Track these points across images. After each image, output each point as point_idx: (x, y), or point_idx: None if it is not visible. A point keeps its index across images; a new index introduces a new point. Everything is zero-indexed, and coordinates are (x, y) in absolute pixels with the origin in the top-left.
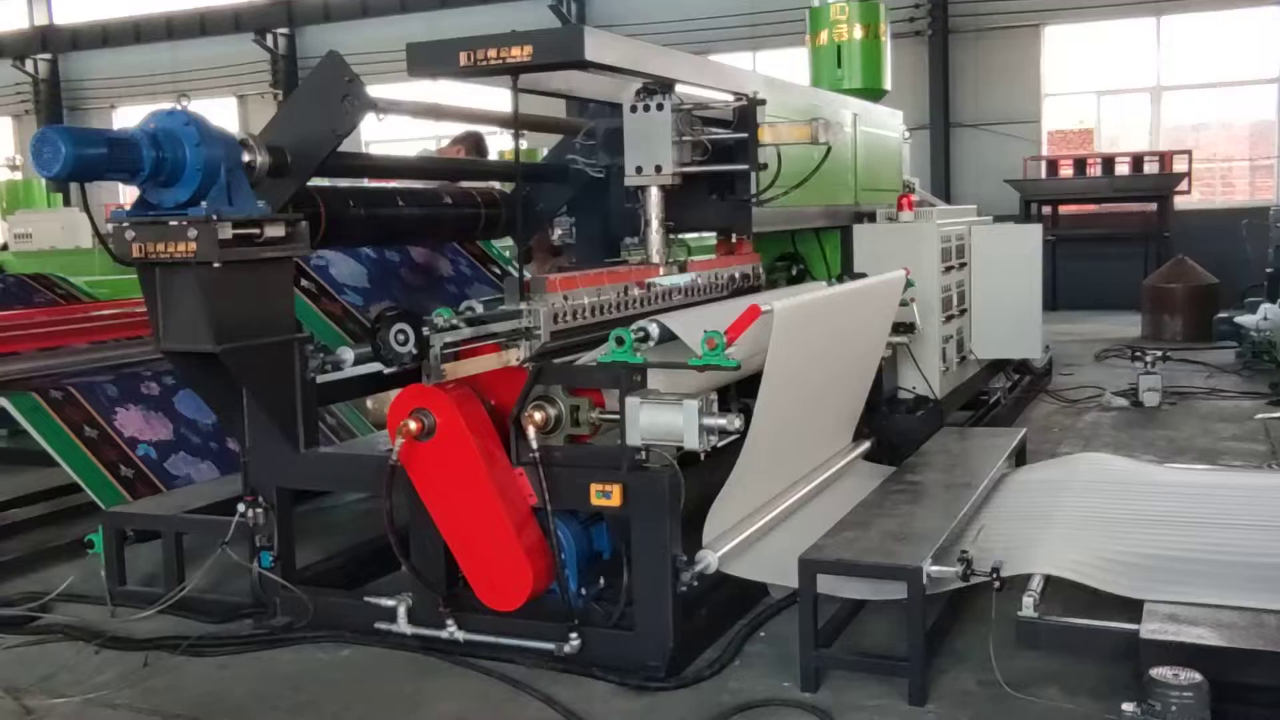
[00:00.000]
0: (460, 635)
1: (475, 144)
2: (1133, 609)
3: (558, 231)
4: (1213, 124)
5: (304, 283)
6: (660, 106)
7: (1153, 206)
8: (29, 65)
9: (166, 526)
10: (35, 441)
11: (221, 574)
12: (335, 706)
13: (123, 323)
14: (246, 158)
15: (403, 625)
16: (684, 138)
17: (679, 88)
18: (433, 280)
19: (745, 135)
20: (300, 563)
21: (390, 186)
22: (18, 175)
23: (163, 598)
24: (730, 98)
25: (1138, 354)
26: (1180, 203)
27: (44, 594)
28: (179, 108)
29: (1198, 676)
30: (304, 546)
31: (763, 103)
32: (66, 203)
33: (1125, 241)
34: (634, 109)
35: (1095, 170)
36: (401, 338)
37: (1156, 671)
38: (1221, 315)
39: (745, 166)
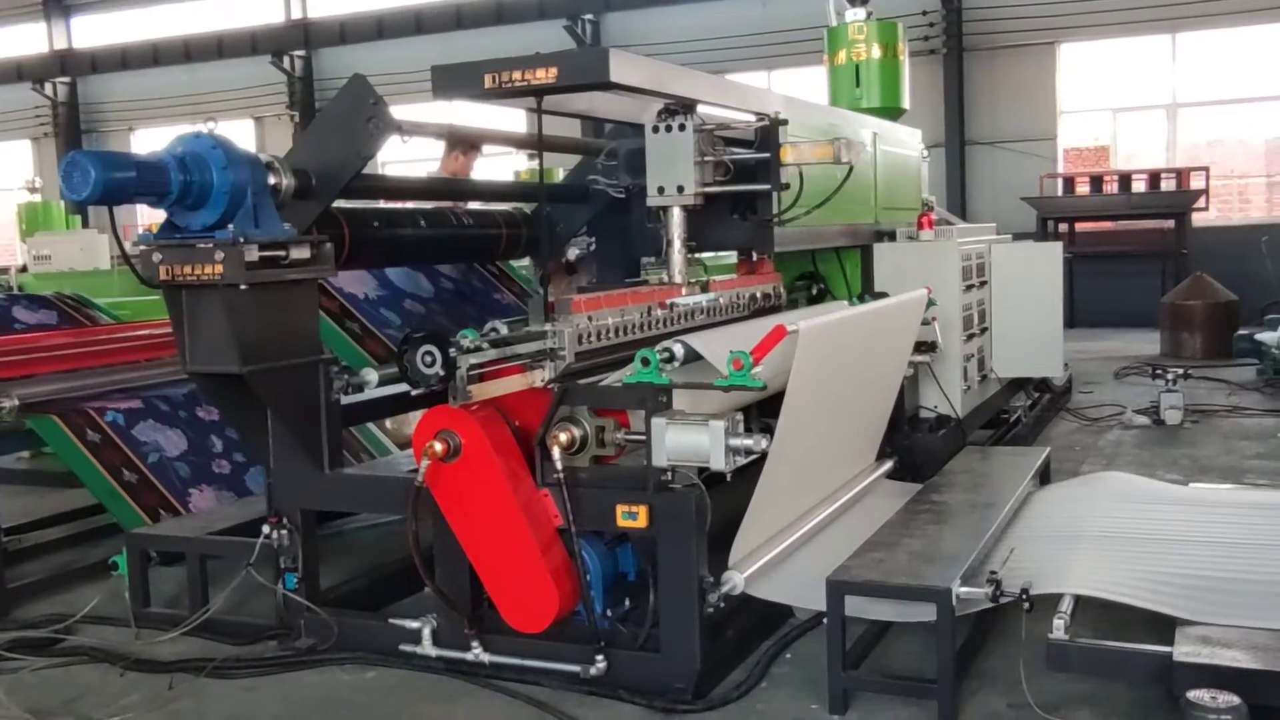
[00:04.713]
0: (485, 657)
1: (470, 145)
2: (1163, 631)
3: (574, 251)
4: (1228, 140)
5: (325, 302)
6: (682, 127)
7: (1170, 223)
8: (48, 88)
9: (191, 548)
10: (57, 462)
11: (246, 596)
12: None
13: (147, 344)
14: (272, 180)
15: (428, 647)
16: (706, 158)
17: (700, 108)
18: (454, 299)
19: (767, 155)
20: (324, 584)
21: (407, 207)
22: (37, 197)
23: (187, 620)
24: (752, 118)
25: (1159, 371)
26: (1197, 219)
27: (68, 616)
28: (205, 131)
29: (1236, 699)
30: (328, 568)
31: (785, 123)
32: (85, 225)
33: (1142, 259)
34: (656, 129)
35: (1112, 187)
36: (428, 359)
37: (1194, 694)
38: (1241, 332)
39: (767, 186)
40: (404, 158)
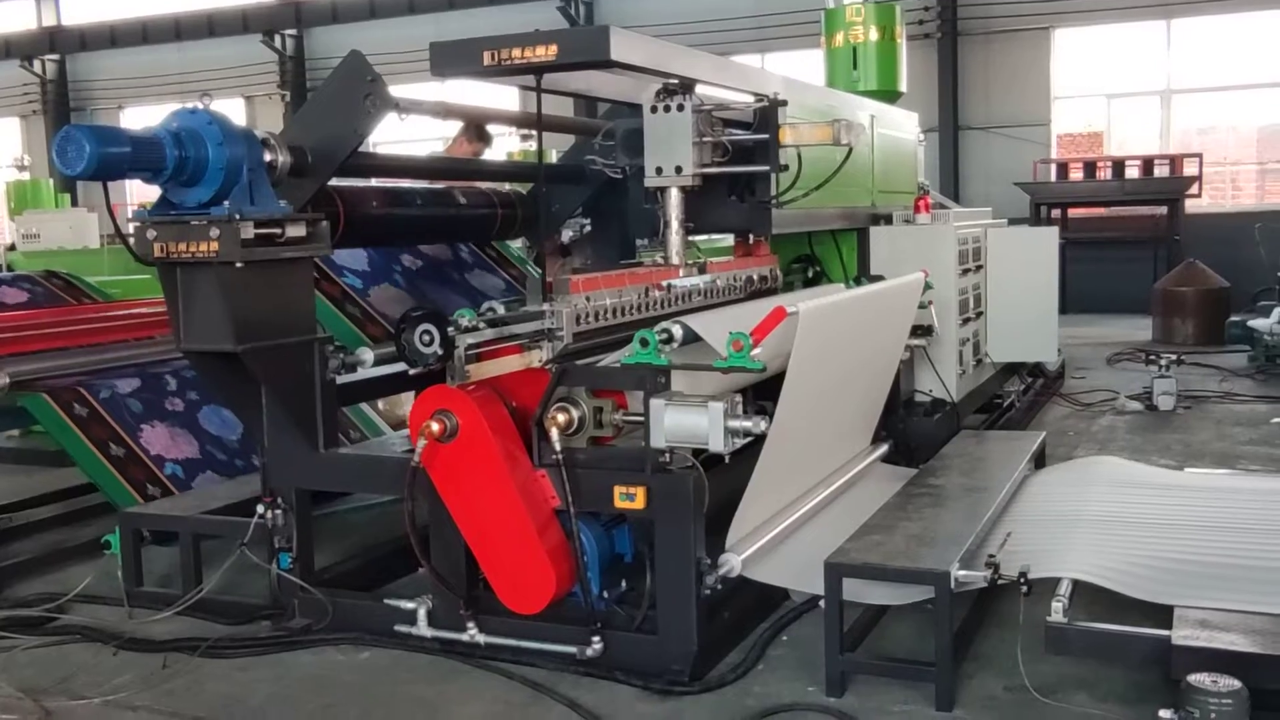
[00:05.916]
0: (481, 638)
1: (478, 131)
2: (1159, 614)
3: (569, 233)
4: (1221, 127)
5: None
6: (681, 107)
7: (1163, 210)
8: (37, 66)
9: (184, 527)
10: (47, 441)
11: (239, 575)
12: (355, 709)
13: (138, 322)
14: (268, 157)
15: (423, 628)
16: (704, 138)
17: (699, 88)
18: (443, 274)
19: (766, 136)
20: (319, 564)
21: (402, 186)
22: (25, 176)
23: (180, 599)
24: (751, 99)
25: (1152, 357)
26: (1190, 206)
27: (61, 595)
28: (201, 107)
29: (1237, 683)
30: (322, 548)
31: (784, 104)
32: (74, 203)
33: (1135, 245)
34: (654, 109)
35: (1105, 173)
36: (426, 338)
37: (1195, 678)
38: (1233, 319)
39: (766, 168)
40: (397, 138)
